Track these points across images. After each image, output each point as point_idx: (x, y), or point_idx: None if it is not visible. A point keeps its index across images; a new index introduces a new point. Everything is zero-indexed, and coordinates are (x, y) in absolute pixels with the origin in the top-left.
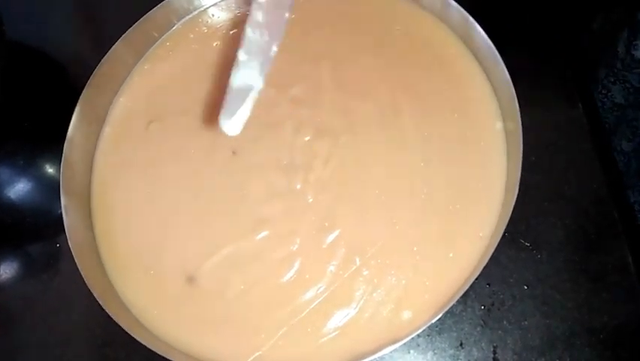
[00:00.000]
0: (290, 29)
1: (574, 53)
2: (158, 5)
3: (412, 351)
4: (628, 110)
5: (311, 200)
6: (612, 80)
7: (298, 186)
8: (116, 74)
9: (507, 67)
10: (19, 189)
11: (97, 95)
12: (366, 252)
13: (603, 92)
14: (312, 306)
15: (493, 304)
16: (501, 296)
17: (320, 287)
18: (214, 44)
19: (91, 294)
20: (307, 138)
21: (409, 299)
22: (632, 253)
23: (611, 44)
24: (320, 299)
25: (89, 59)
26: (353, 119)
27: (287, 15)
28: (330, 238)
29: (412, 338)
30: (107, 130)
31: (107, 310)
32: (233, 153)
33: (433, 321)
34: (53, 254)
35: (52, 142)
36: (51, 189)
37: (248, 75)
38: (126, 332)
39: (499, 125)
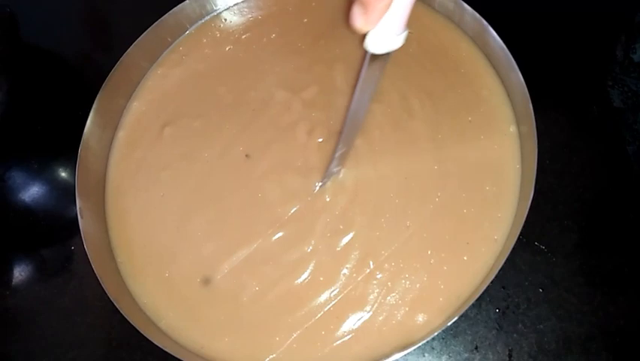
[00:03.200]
0: (302, 33)
1: (588, 55)
2: (171, 10)
3: (426, 355)
4: (627, 114)
5: (326, 202)
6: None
7: (312, 189)
8: (129, 79)
9: (521, 70)
10: (34, 192)
11: (111, 99)
12: (380, 255)
13: None
14: (326, 309)
15: (508, 308)
16: (516, 300)
17: (334, 290)
18: (227, 49)
19: (106, 296)
20: (320, 140)
21: (424, 302)
22: None
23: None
24: (334, 302)
25: (103, 64)
26: (366, 122)
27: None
28: (344, 240)
29: (427, 342)
30: (122, 134)
31: (122, 312)
32: (247, 156)
33: (448, 324)
34: (68, 257)
35: (66, 146)
36: (65, 192)
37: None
38: (141, 334)
39: (513, 128)
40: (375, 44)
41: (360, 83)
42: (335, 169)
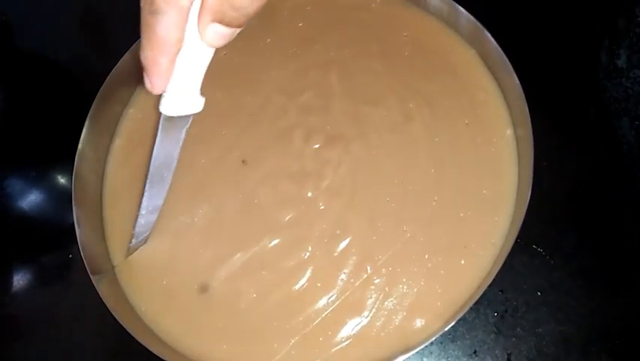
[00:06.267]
0: (297, 37)
1: (584, 57)
2: None
3: (424, 359)
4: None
5: (322, 207)
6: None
7: (309, 194)
8: (125, 86)
9: (517, 73)
10: (31, 200)
11: (107, 106)
12: (378, 260)
13: None
14: (324, 315)
15: (506, 311)
16: (514, 303)
17: (331, 296)
18: (223, 54)
19: (103, 304)
20: (317, 146)
21: (422, 307)
22: None
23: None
24: (332, 308)
25: (98, 70)
26: (363, 126)
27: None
28: (342, 245)
29: (425, 346)
30: (118, 141)
31: (119, 321)
32: (243, 162)
33: (446, 329)
34: (66, 265)
35: (63, 153)
36: (63, 200)
37: None
38: (139, 342)
39: (509, 131)
40: (168, 107)
41: (157, 146)
42: (141, 238)
